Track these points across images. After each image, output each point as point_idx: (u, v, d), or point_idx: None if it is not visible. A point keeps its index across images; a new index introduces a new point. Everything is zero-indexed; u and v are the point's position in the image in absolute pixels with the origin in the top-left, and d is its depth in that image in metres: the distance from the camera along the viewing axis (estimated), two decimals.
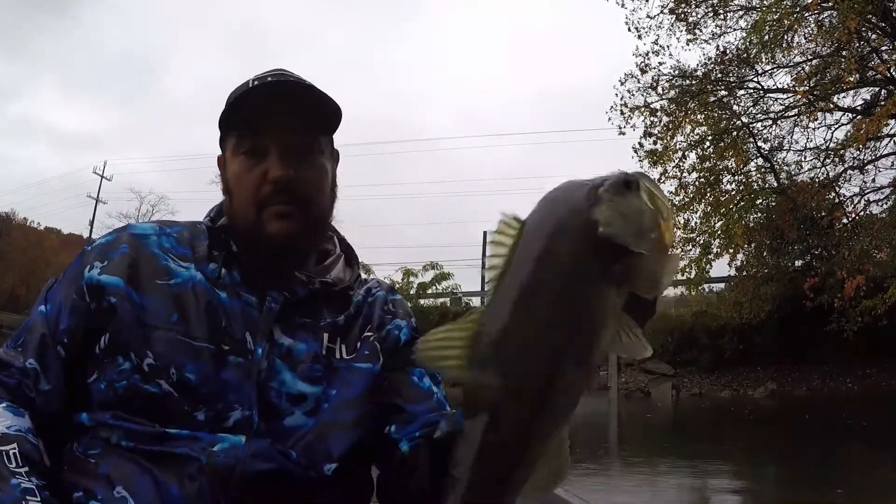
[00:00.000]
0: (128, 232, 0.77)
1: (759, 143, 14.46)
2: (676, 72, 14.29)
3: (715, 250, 14.54)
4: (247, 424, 0.67)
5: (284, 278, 0.75)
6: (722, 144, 14.06)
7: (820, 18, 12.86)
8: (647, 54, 14.17)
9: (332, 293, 0.80)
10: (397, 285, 22.22)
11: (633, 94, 14.45)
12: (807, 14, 12.80)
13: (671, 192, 14.55)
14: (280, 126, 0.73)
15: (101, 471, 0.65)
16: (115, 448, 0.66)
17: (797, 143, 14.70)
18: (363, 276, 0.91)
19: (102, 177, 34.48)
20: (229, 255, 0.74)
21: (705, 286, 16.70)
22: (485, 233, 26.85)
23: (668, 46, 14.31)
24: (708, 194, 14.47)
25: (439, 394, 0.80)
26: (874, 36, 13.00)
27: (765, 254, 14.50)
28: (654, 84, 14.28)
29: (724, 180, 14.60)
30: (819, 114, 13.43)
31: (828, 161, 14.09)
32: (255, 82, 0.74)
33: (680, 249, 14.63)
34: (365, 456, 0.76)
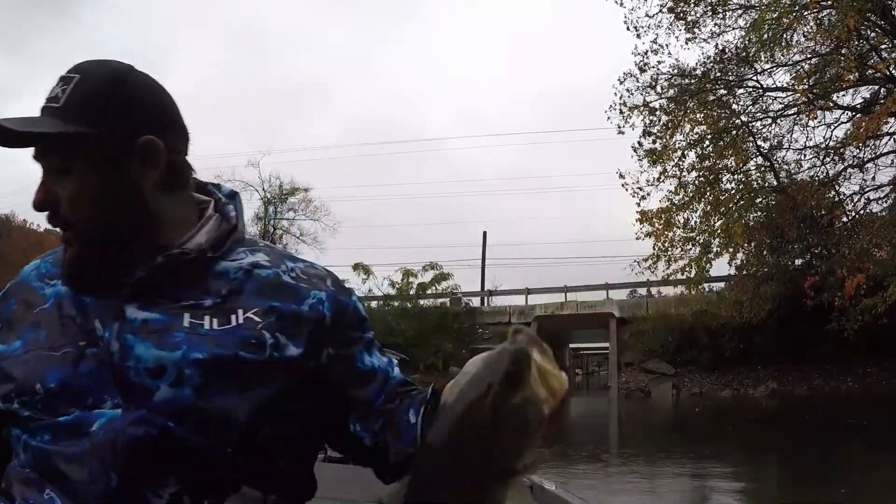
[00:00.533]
0: (14, 281, 0.77)
1: (759, 142, 14.45)
2: (675, 71, 14.28)
3: (715, 249, 14.54)
4: (98, 407, 0.64)
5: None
6: (721, 143, 14.04)
7: (819, 17, 12.84)
8: (645, 53, 14.16)
9: (189, 267, 0.69)
10: (397, 285, 22.25)
11: (632, 93, 14.45)
12: (806, 13, 12.78)
13: (671, 192, 14.55)
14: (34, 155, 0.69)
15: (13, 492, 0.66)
16: (13, 470, 0.68)
17: (797, 141, 14.70)
18: (262, 243, 0.77)
19: None
20: None
21: (705, 285, 16.68)
22: (484, 233, 26.88)
23: (666, 45, 14.30)
24: (707, 193, 14.45)
25: (381, 363, 0.74)
26: (873, 34, 12.98)
27: (765, 253, 14.48)
28: (654, 83, 14.27)
29: (724, 179, 14.60)
30: (819, 112, 13.40)
31: (827, 160, 14.07)
32: None
33: (680, 249, 14.62)
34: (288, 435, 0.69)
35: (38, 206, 0.67)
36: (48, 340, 0.68)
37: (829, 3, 12.41)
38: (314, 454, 0.78)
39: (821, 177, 14.07)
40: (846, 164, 13.89)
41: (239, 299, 0.68)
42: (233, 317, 0.67)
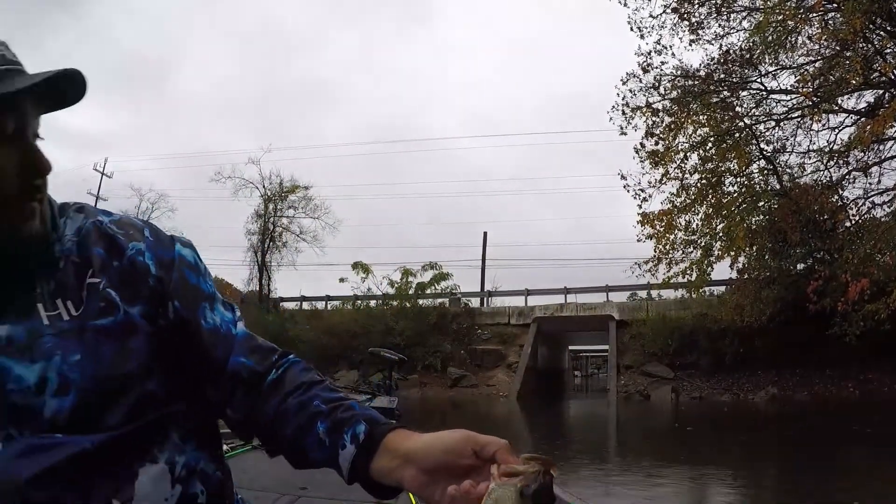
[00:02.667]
0: None
1: (762, 145, 14.37)
2: (679, 72, 14.20)
3: (716, 252, 14.46)
4: (7, 443, 0.57)
5: None
6: (724, 146, 13.96)
7: (825, 19, 12.76)
8: (649, 53, 14.10)
9: (29, 254, 0.62)
10: (396, 284, 22.18)
11: (635, 94, 14.39)
12: (811, 15, 12.71)
13: (673, 194, 14.48)
14: (42, 108, 0.64)
15: None
16: None
17: (800, 145, 14.63)
18: (73, 205, 0.70)
19: (103, 174, 34.45)
20: None
21: (706, 288, 16.60)
22: (485, 233, 26.82)
23: (670, 46, 14.26)
24: (710, 196, 14.38)
25: (231, 329, 0.70)
26: (878, 37, 12.91)
27: (766, 256, 14.39)
28: (657, 84, 14.21)
29: (726, 182, 14.53)
30: (823, 115, 13.33)
31: (831, 163, 13.99)
32: None
33: (681, 251, 14.55)
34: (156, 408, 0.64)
35: (48, 169, 0.62)
36: None
37: (835, 5, 12.34)
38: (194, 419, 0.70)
39: (824, 180, 13.99)
40: (850, 167, 13.82)
41: (77, 268, 0.64)
42: (83, 294, 0.62)
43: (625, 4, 14.19)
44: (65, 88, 0.62)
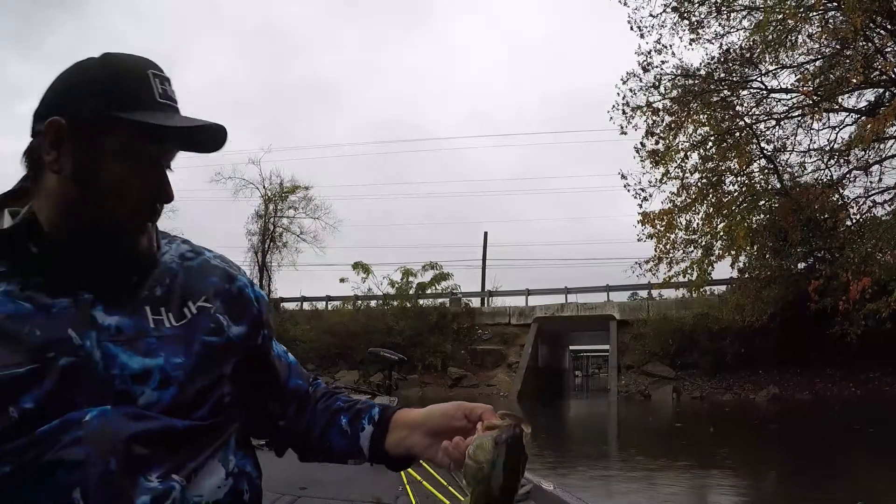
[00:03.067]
0: None
1: (763, 144, 14.35)
2: (679, 71, 14.19)
3: (717, 252, 14.44)
4: (114, 408, 0.66)
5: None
6: (725, 145, 13.94)
7: (825, 17, 12.75)
8: (649, 53, 14.08)
9: (140, 266, 0.73)
10: (396, 284, 22.17)
11: (635, 93, 14.37)
12: (812, 13, 12.69)
13: (673, 193, 14.46)
14: (181, 146, 0.74)
15: None
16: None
17: (800, 144, 14.60)
18: (170, 234, 0.82)
19: None
20: (23, 263, 0.67)
21: (707, 288, 16.57)
22: (486, 233, 26.80)
23: (670, 46, 14.24)
24: (710, 195, 14.36)
25: (281, 351, 0.87)
26: (878, 37, 12.89)
27: (767, 256, 14.37)
28: (657, 83, 14.19)
29: (727, 181, 14.51)
30: (823, 114, 13.31)
31: (832, 162, 13.97)
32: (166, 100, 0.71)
33: (682, 251, 14.53)
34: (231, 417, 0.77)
35: (171, 198, 0.71)
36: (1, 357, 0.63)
37: (835, 3, 12.32)
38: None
39: (825, 179, 13.97)
40: (851, 166, 13.80)
41: (184, 288, 0.75)
42: (185, 310, 0.73)
43: (625, 3, 14.18)
44: (205, 138, 0.72)
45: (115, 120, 0.66)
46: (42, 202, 0.69)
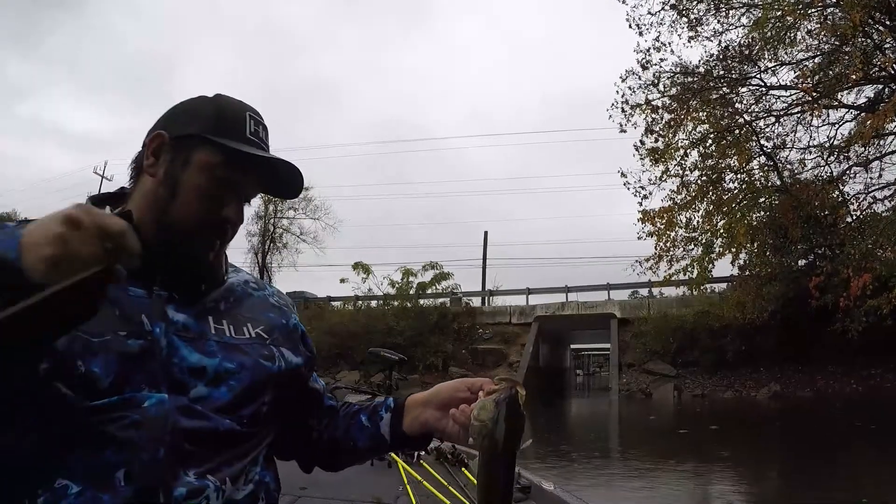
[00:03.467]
0: None
1: (762, 141, 14.33)
2: (678, 69, 14.16)
3: (717, 249, 14.41)
4: (170, 395, 0.72)
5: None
6: (724, 142, 13.92)
7: (824, 14, 12.72)
8: (648, 50, 14.06)
9: (208, 277, 0.84)
10: (396, 284, 22.14)
11: (634, 91, 14.35)
12: (811, 10, 12.66)
13: (673, 191, 14.45)
14: (257, 183, 0.83)
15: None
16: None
17: (800, 141, 14.58)
18: (236, 265, 0.94)
19: (103, 177, 34.49)
20: None
21: (708, 286, 16.54)
22: (486, 233, 26.78)
23: (669, 43, 14.20)
24: (710, 193, 14.34)
25: (319, 381, 0.97)
26: (877, 33, 12.86)
27: (768, 253, 14.33)
28: (656, 81, 14.17)
29: (727, 178, 14.48)
30: (823, 111, 13.28)
31: (831, 159, 13.94)
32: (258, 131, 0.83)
33: (682, 249, 14.51)
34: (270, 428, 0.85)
35: (233, 226, 0.81)
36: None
37: (834, 0, 12.29)
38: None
39: (825, 176, 13.94)
40: (851, 163, 13.77)
41: (244, 311, 0.85)
42: (245, 329, 0.83)
43: (623, 2, 14.16)
44: (285, 183, 0.85)
45: (207, 141, 0.78)
46: (136, 201, 0.79)
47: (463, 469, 3.50)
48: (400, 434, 0.89)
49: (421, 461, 4.12)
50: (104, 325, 0.69)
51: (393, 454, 4.15)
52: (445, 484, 3.43)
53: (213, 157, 0.78)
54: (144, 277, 0.74)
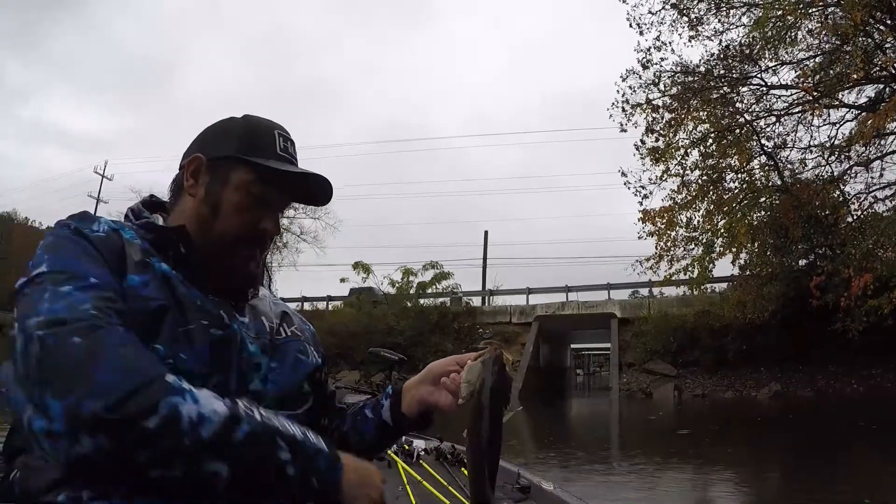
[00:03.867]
0: (112, 227, 0.81)
1: (763, 141, 14.30)
2: (678, 68, 14.14)
3: (718, 249, 14.39)
4: (223, 388, 0.74)
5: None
6: (725, 142, 13.90)
7: (825, 13, 12.70)
8: (648, 50, 14.04)
9: (255, 283, 0.92)
10: (396, 284, 22.12)
11: (635, 91, 14.33)
12: (811, 10, 12.64)
13: (673, 191, 14.43)
14: (290, 195, 0.90)
15: None
16: None
17: (800, 140, 14.56)
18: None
19: (103, 176, 34.52)
20: (178, 255, 0.83)
21: (708, 286, 16.52)
22: (486, 232, 26.77)
23: (669, 43, 14.18)
24: (710, 192, 14.32)
25: (329, 385, 1.02)
26: (877, 33, 12.84)
27: (768, 253, 14.31)
28: (656, 80, 14.14)
29: (727, 178, 14.46)
30: (824, 110, 13.25)
31: (832, 158, 13.92)
32: (288, 148, 0.89)
33: (682, 248, 14.49)
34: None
35: (271, 237, 0.88)
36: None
37: (835, 0, 12.27)
38: None
39: (826, 176, 13.92)
40: (852, 162, 13.74)
41: (279, 316, 0.94)
42: (282, 329, 0.92)
43: (624, 1, 14.14)
44: (314, 192, 0.91)
45: (241, 161, 0.84)
46: (179, 216, 0.86)
47: (463, 469, 3.48)
48: (401, 417, 0.95)
49: (421, 461, 4.11)
50: (186, 313, 0.76)
51: (393, 454, 4.15)
52: (445, 484, 3.41)
53: (248, 176, 0.84)
54: (200, 284, 0.81)
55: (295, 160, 0.89)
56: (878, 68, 12.81)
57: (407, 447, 2.88)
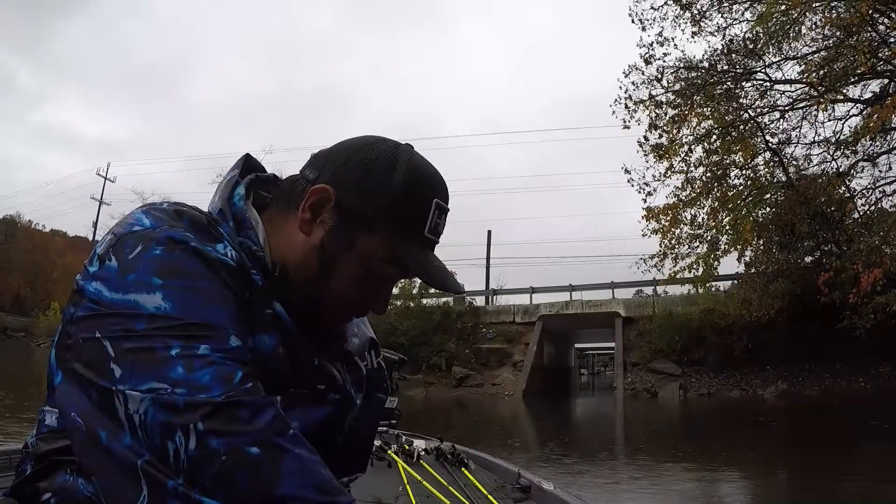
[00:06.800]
0: (228, 263, 0.68)
1: (767, 137, 14.18)
2: (682, 63, 14.03)
3: (723, 246, 14.27)
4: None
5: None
6: (729, 138, 13.79)
7: (830, 6, 12.57)
8: (651, 45, 13.92)
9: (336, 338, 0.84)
10: (399, 284, 22.03)
11: (638, 87, 14.21)
12: (816, 4, 12.52)
13: (677, 188, 14.32)
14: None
15: None
16: None
17: (805, 136, 14.43)
18: None
19: (106, 178, 34.65)
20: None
21: (713, 284, 16.40)
22: (489, 231, 26.71)
23: (672, 38, 14.08)
24: (715, 189, 14.20)
25: None
26: (883, 27, 12.71)
27: (774, 249, 14.18)
28: (659, 76, 14.03)
29: (732, 174, 14.34)
30: (829, 105, 13.13)
31: (838, 153, 13.79)
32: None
33: (687, 246, 14.38)
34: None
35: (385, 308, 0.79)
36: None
37: None
38: None
39: (831, 171, 13.79)
40: (858, 157, 13.61)
41: (368, 345, 0.87)
42: (370, 360, 0.86)
43: None
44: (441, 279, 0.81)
45: (378, 232, 0.69)
46: (279, 241, 0.72)
47: (463, 469, 3.42)
48: None
49: (421, 461, 4.04)
50: (300, 375, 0.71)
51: (393, 454, 4.09)
52: (445, 484, 3.35)
53: (380, 253, 0.71)
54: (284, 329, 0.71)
55: (438, 239, 0.77)
56: (882, 62, 12.68)
57: (407, 447, 2.83)
